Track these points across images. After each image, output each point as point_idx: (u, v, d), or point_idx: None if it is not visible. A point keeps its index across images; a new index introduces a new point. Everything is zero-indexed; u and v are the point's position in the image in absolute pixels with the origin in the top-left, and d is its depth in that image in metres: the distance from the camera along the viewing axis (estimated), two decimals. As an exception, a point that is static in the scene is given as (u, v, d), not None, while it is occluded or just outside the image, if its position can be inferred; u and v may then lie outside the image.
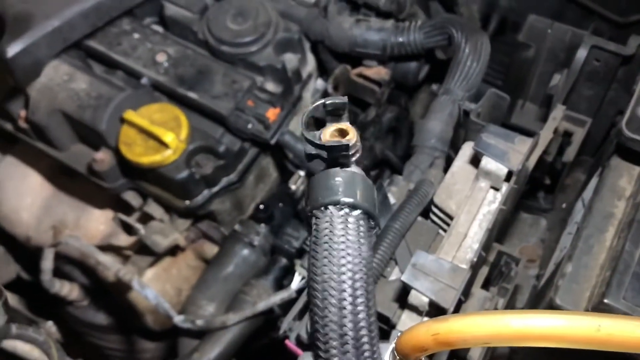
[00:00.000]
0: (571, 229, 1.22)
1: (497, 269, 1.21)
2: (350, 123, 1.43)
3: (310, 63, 1.52)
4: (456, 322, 0.59)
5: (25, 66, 1.32)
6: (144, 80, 1.38)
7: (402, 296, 1.00)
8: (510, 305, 1.31)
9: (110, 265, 1.34)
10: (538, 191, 1.63)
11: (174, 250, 1.55)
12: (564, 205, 1.40)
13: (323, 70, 1.59)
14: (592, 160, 1.47)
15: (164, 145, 1.28)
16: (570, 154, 1.34)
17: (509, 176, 1.05)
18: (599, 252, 0.97)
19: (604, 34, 1.62)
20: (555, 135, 1.36)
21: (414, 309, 0.97)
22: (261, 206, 1.41)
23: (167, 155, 1.28)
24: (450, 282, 0.93)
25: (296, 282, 1.25)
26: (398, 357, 0.65)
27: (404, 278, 0.93)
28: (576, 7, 1.78)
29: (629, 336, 0.52)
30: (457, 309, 0.99)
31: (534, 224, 1.45)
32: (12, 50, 1.27)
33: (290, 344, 1.07)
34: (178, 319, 1.27)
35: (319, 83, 1.59)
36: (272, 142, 1.34)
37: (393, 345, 0.67)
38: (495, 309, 1.21)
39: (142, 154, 1.28)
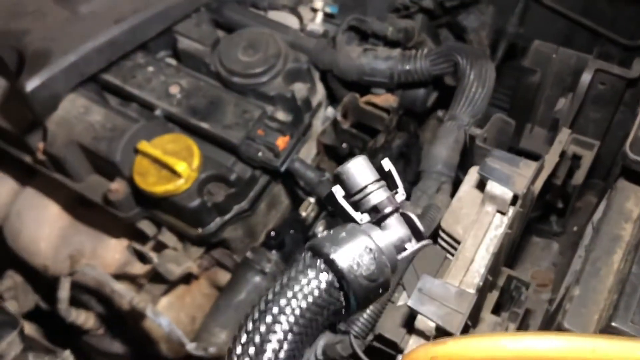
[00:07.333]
0: (581, 253, 1.21)
1: (507, 293, 1.21)
2: (360, 150, 1.43)
3: (320, 92, 1.55)
4: (454, 344, 0.60)
5: (44, 100, 1.36)
6: (157, 112, 1.41)
7: (410, 321, 1.01)
8: (521, 330, 1.31)
9: (124, 294, 1.36)
10: (551, 214, 1.62)
11: (188, 279, 1.57)
12: (575, 229, 1.39)
13: (333, 99, 1.61)
14: (603, 183, 1.47)
15: (176, 174, 1.31)
16: (579, 177, 1.34)
17: (514, 200, 1.06)
18: (607, 275, 0.97)
19: (613, 57, 1.63)
20: (564, 159, 1.36)
21: (421, 334, 0.97)
22: (272, 233, 1.43)
23: (179, 184, 1.31)
24: (457, 306, 0.93)
25: (307, 308, 1.25)
26: (399, 381, 0.66)
27: (410, 303, 0.93)
28: (584, 31, 1.80)
29: (624, 357, 0.53)
30: (464, 334, 0.99)
31: (546, 247, 1.44)
32: (31, 85, 1.32)
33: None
34: (190, 347, 1.28)
35: (329, 111, 1.61)
36: (282, 169, 1.37)
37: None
38: (506, 333, 1.20)
39: (155, 184, 1.31)
